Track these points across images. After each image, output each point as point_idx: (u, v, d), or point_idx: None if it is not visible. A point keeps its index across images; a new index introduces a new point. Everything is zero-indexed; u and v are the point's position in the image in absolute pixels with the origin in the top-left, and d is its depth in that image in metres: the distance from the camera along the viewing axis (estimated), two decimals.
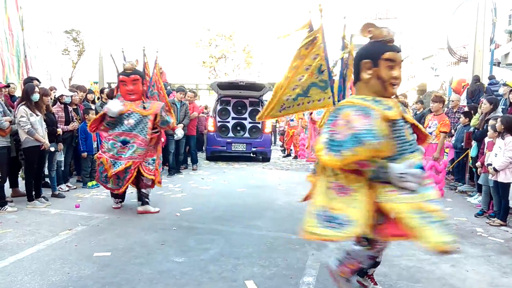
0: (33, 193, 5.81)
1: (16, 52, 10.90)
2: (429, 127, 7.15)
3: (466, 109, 8.18)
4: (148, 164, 5.38)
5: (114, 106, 5.18)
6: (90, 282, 3.33)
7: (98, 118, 5.44)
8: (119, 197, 5.77)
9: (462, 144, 7.47)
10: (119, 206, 5.74)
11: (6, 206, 5.45)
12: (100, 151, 5.52)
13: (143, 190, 5.49)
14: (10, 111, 5.96)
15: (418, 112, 9.80)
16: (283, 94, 3.60)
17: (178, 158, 8.92)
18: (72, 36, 24.74)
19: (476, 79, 10.39)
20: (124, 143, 5.23)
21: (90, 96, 8.25)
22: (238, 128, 11.57)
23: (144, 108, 5.33)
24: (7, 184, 5.88)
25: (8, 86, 7.17)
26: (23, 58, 11.24)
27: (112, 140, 5.27)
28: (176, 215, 5.39)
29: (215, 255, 3.97)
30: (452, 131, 8.22)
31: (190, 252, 4.00)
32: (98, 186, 7.19)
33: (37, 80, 6.96)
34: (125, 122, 5.23)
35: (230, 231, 4.73)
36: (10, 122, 5.56)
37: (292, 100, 3.64)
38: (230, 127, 11.47)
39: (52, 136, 6.16)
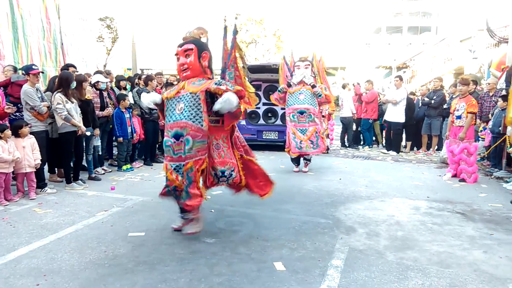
0: (71, 175, 6.07)
1: (53, 40, 11.27)
2: (457, 110, 6.99)
3: (504, 92, 7.88)
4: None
5: (146, 98, 4.15)
6: (125, 260, 3.48)
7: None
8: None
9: (500, 128, 7.22)
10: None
11: (46, 188, 5.72)
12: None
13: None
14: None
15: (454, 96, 9.50)
16: None
17: None
18: (106, 24, 25.20)
19: None
20: (177, 137, 3.77)
21: (122, 83, 8.42)
22: (270, 115, 10.62)
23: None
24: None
25: (42, 72, 7.42)
26: (60, 46, 11.60)
27: (166, 137, 3.89)
28: (207, 198, 5.48)
29: (245, 237, 4.05)
30: (489, 115, 7.95)
31: (220, 233, 4.10)
32: (132, 170, 7.43)
33: (74, 66, 7.18)
34: (177, 108, 3.81)
35: (259, 214, 4.80)
36: (48, 107, 5.80)
37: None
38: (260, 114, 10.45)
39: (88, 121, 6.38)
